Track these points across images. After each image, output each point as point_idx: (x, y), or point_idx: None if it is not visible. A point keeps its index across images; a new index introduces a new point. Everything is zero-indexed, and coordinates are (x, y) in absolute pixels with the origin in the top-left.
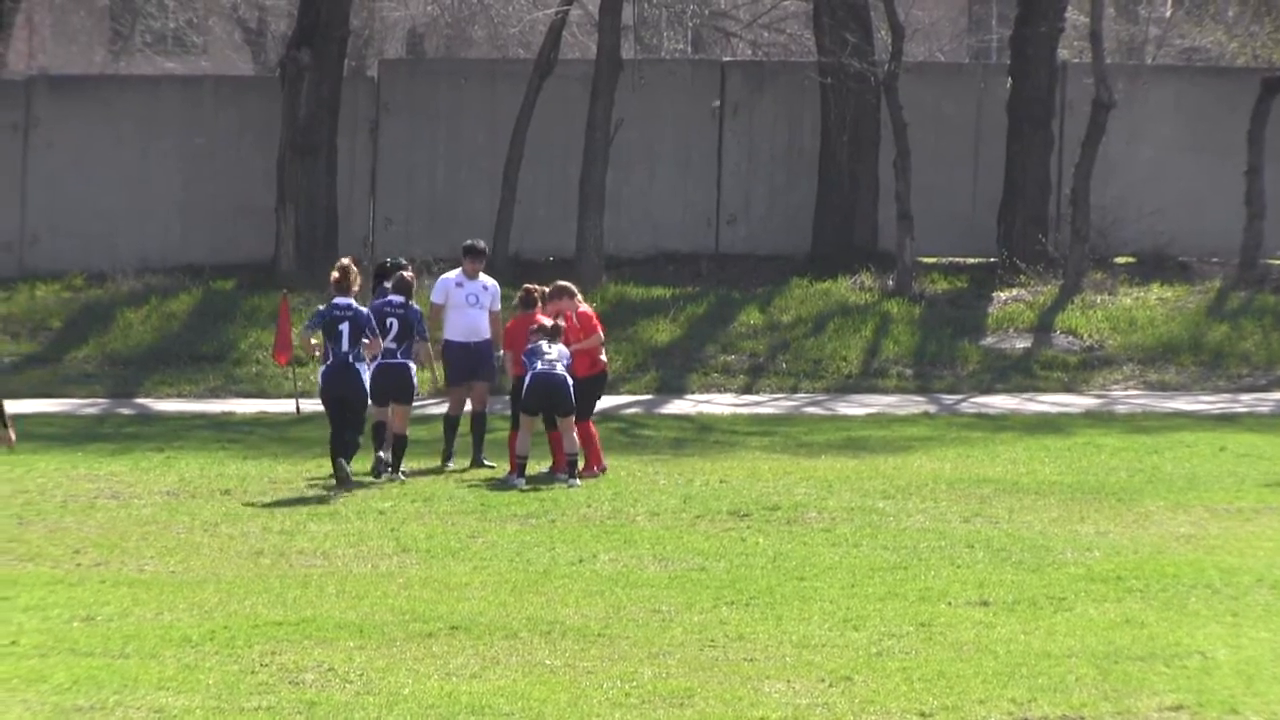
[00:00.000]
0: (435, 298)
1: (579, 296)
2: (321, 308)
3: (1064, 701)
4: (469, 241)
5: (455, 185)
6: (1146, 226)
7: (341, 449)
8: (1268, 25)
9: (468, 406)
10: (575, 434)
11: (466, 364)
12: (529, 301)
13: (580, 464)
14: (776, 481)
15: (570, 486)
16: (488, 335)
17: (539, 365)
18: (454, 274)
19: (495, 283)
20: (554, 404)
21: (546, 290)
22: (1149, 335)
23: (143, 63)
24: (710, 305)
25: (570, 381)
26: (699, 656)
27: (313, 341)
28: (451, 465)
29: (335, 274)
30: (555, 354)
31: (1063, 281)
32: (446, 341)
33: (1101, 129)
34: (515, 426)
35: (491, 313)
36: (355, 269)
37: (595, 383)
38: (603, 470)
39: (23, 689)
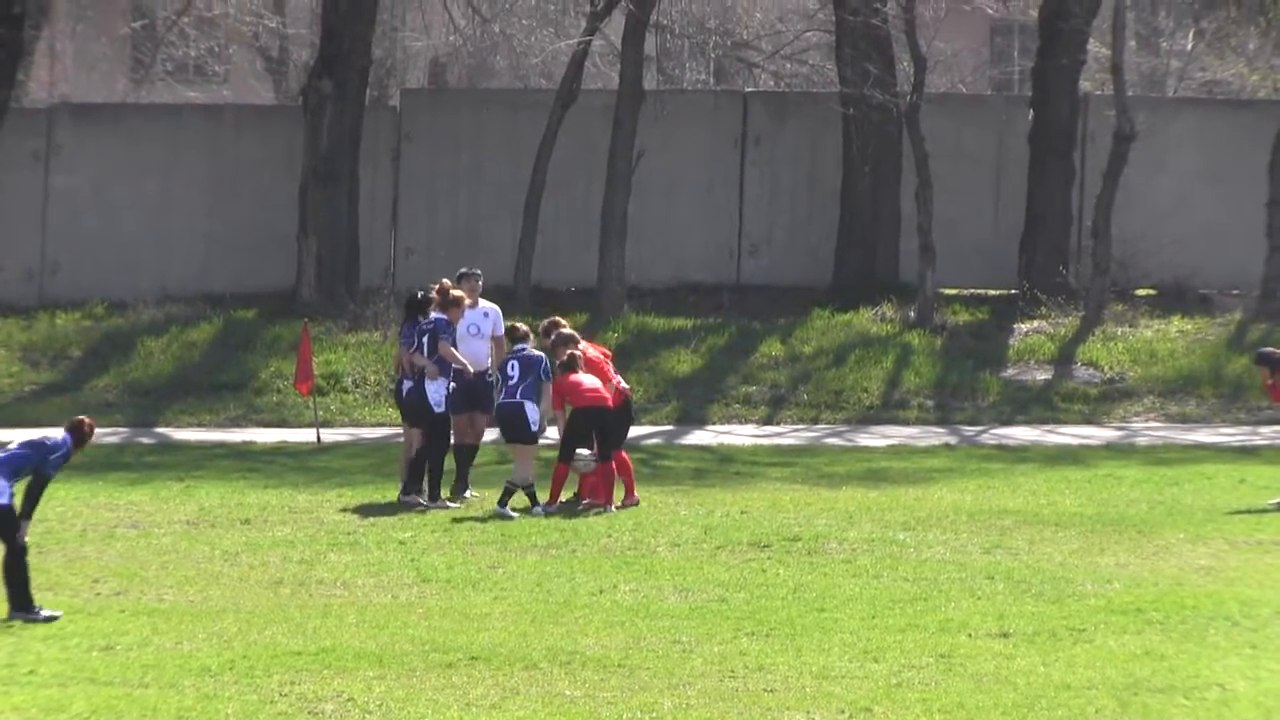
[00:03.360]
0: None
1: (581, 342)
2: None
3: None
4: (463, 269)
5: (477, 215)
6: (1167, 258)
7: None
8: None
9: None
10: (531, 462)
11: (468, 394)
12: (571, 365)
13: (621, 493)
14: (797, 512)
15: (533, 514)
16: (488, 364)
17: (503, 395)
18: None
19: (496, 307)
20: (513, 433)
21: (545, 328)
22: (1170, 367)
23: (164, 91)
24: (731, 336)
25: (529, 408)
26: (719, 687)
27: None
28: (469, 494)
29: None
30: (518, 377)
31: (1083, 313)
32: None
33: (1123, 161)
34: (563, 459)
35: (495, 339)
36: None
37: (624, 410)
38: (634, 503)
39: (42, 718)
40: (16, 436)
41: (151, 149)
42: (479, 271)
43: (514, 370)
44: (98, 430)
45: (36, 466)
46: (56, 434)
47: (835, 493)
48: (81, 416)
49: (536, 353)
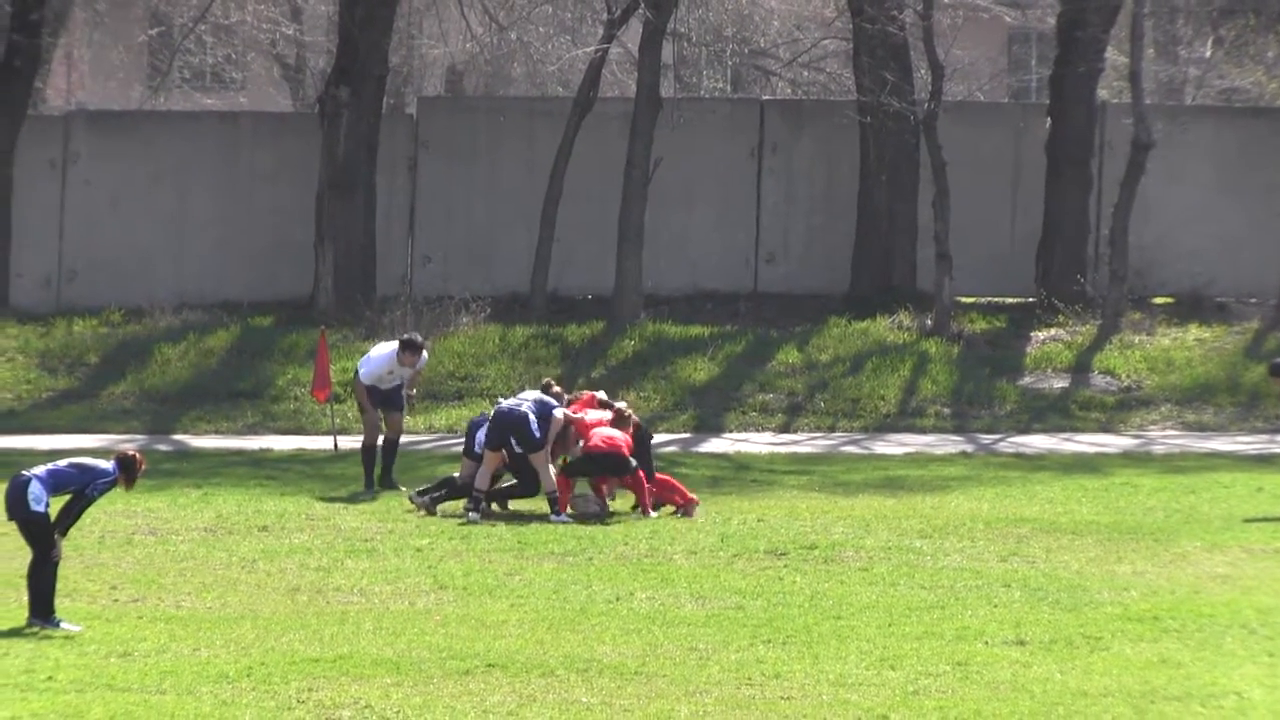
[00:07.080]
0: (365, 378)
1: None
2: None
3: None
4: (408, 336)
5: (494, 223)
6: (1184, 267)
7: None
8: None
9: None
10: (551, 470)
11: (380, 397)
12: (621, 421)
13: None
14: (814, 520)
15: (551, 521)
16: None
17: (505, 404)
18: (387, 356)
19: (425, 359)
20: (519, 439)
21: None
22: (1186, 376)
23: (181, 99)
24: (748, 344)
25: (531, 418)
26: (736, 695)
27: None
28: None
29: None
30: (533, 397)
31: (1100, 322)
32: (369, 388)
33: (1140, 169)
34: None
35: (415, 371)
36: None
37: (641, 437)
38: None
39: None
40: (34, 444)
41: (168, 156)
42: (423, 342)
43: (521, 398)
44: (115, 436)
45: (79, 489)
46: (106, 463)
47: (852, 501)
48: (135, 453)
49: (552, 401)
